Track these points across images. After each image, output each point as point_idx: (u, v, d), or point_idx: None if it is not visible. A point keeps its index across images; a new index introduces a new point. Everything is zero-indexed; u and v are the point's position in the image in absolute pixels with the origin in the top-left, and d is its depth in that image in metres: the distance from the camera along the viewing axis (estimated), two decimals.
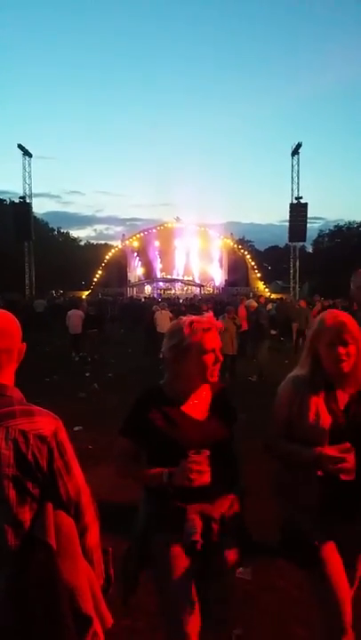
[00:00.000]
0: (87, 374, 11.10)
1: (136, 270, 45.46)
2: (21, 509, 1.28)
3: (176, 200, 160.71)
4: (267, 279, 46.57)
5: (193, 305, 19.80)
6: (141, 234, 44.21)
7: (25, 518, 1.28)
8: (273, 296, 32.94)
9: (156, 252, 43.55)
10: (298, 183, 31.53)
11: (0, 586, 1.24)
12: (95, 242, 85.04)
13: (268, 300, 24.32)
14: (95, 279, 43.27)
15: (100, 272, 43.39)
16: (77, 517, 1.39)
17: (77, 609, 1.30)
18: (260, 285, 41.19)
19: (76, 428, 6.25)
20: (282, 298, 27.97)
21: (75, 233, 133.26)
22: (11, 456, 1.26)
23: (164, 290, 41.33)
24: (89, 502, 1.43)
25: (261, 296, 21.25)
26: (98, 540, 1.48)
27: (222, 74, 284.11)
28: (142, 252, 44.21)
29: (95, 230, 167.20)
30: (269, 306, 18.48)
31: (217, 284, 43.42)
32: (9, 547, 1.26)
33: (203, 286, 42.01)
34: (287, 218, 31.85)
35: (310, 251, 62.53)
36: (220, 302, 21.00)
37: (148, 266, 44.41)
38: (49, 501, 1.33)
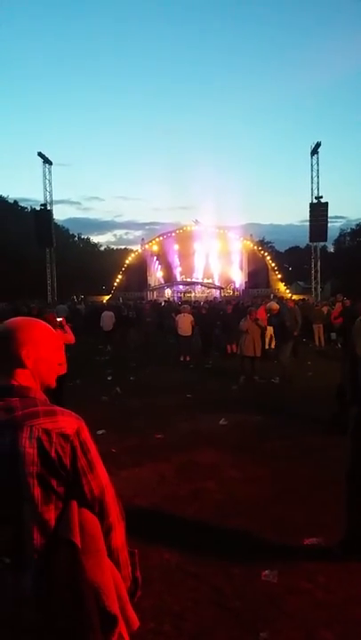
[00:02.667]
0: (109, 378, 11.17)
1: (156, 274, 45.59)
2: (46, 508, 1.30)
3: (194, 203, 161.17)
4: (288, 280, 46.22)
5: (214, 307, 19.70)
6: (161, 237, 44.32)
7: (50, 517, 1.30)
8: (294, 297, 32.67)
9: (176, 256, 43.58)
10: (318, 183, 31.24)
11: (26, 585, 1.26)
12: (115, 247, 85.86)
13: (290, 301, 24.13)
14: (115, 284, 43.53)
15: (120, 276, 43.63)
16: (102, 516, 1.40)
17: (103, 608, 1.30)
18: (281, 287, 40.90)
19: (100, 432, 6.29)
20: (304, 299, 27.71)
21: (95, 238, 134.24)
22: (35, 454, 1.29)
23: (185, 293, 41.31)
24: (114, 501, 1.45)
25: (289, 299, 21.11)
26: (124, 540, 1.48)
27: (237, 76, 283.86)
28: (162, 256, 44.32)
29: (115, 235, 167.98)
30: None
31: (237, 286, 43.25)
32: (34, 546, 1.28)
33: (223, 288, 41.88)
34: (307, 218, 31.50)
35: (332, 250, 61.94)
36: (242, 304, 20.92)
37: (168, 269, 44.50)
38: (73, 500, 1.35)
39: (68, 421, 1.37)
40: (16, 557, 1.27)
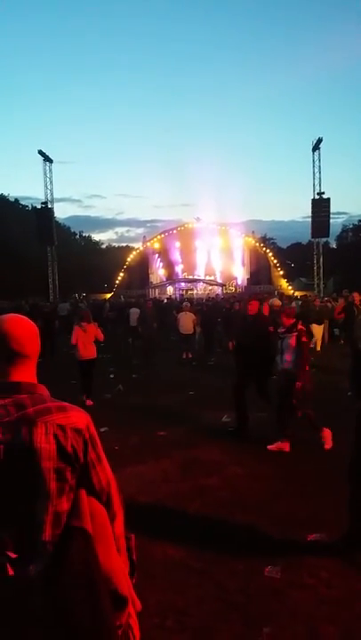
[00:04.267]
0: (112, 376, 11.18)
1: (158, 271, 45.53)
2: (60, 500, 1.34)
3: (196, 200, 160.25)
4: (290, 276, 46.12)
5: (216, 304, 19.61)
6: (162, 235, 44.22)
7: (63, 509, 1.35)
8: (297, 294, 32.61)
9: (178, 253, 43.51)
10: (320, 178, 31.13)
11: (39, 574, 1.29)
12: (117, 244, 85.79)
13: (293, 298, 24.10)
14: (117, 281, 43.49)
15: (122, 274, 43.59)
16: (108, 505, 1.47)
17: (114, 591, 1.38)
18: (284, 283, 40.80)
19: (103, 429, 6.31)
20: (306, 295, 27.68)
21: (96, 236, 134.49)
22: (53, 449, 1.34)
23: (187, 290, 41.26)
24: (117, 491, 1.52)
25: (284, 294, 21.08)
26: (123, 528, 1.56)
27: (238, 71, 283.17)
28: (163, 253, 44.25)
29: (116, 233, 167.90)
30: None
31: (239, 282, 43.20)
32: (48, 539, 1.32)
33: (225, 285, 41.82)
34: (309, 214, 31.45)
35: (334, 246, 61.79)
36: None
37: (170, 267, 44.42)
38: (82, 489, 1.40)
39: (79, 416, 1.42)
40: (25, 552, 1.29)
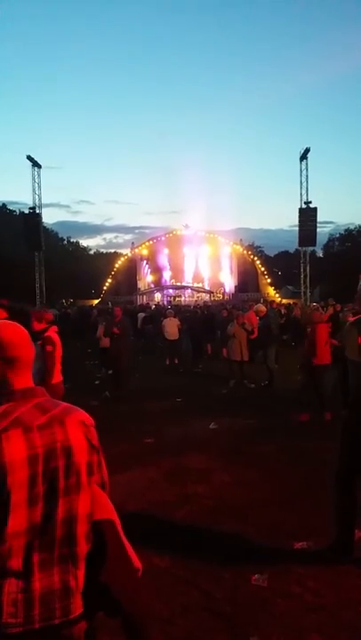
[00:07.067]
0: (97, 382, 11.11)
1: (146, 278, 45.53)
2: (89, 495, 1.44)
3: (185, 207, 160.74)
4: (277, 284, 46.41)
5: (210, 311, 18.95)
6: (150, 242, 44.30)
7: (90, 502, 1.45)
8: (284, 301, 32.80)
9: (166, 260, 43.61)
10: (307, 188, 31.41)
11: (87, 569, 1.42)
12: (105, 250, 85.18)
13: (280, 305, 24.19)
14: (105, 287, 43.40)
15: (109, 280, 43.52)
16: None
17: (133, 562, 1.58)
18: (271, 291, 41.06)
19: None
20: (290, 303, 27.82)
21: (84, 242, 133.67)
22: (84, 444, 1.44)
23: (174, 297, 41.30)
24: (108, 484, 1.62)
25: (273, 301, 21.14)
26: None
27: (227, 80, 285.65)
28: (152, 260, 44.29)
29: (105, 239, 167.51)
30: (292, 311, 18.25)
31: (227, 290, 43.35)
32: (85, 532, 1.42)
33: (212, 293, 41.95)
34: (297, 223, 31.68)
35: (321, 255, 62.29)
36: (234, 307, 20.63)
37: (158, 273, 44.45)
38: (94, 482, 1.51)
39: (87, 414, 1.53)
40: (69, 552, 1.39)
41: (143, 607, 1.57)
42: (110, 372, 10.42)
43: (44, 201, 34.93)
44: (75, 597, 1.37)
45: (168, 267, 43.73)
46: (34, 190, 33.45)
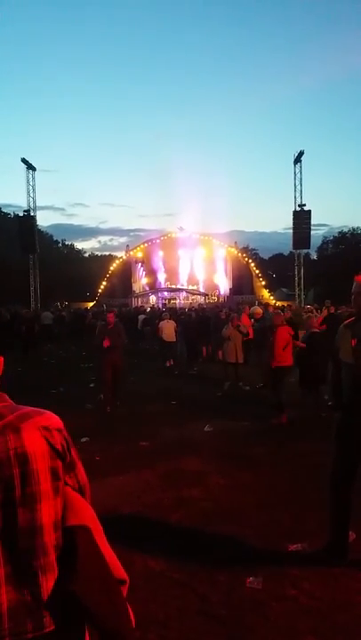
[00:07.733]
0: (92, 385, 11.09)
1: (140, 280, 45.50)
2: (56, 500, 1.36)
3: (179, 210, 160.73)
4: (272, 287, 46.52)
5: (205, 314, 18.90)
6: (145, 244, 44.28)
7: (59, 509, 1.37)
8: (278, 303, 32.90)
9: (161, 262, 43.60)
10: (301, 191, 31.58)
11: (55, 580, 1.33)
12: (99, 253, 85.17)
13: (276, 308, 24.20)
14: (100, 290, 43.34)
15: (104, 283, 43.44)
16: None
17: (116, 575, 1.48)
18: (265, 293, 41.14)
19: (84, 439, 6.24)
20: (284, 305, 27.86)
21: (79, 245, 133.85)
22: (45, 450, 1.35)
23: (169, 299, 41.30)
24: (88, 488, 1.57)
25: (268, 304, 21.17)
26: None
27: (221, 82, 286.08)
28: (146, 263, 44.26)
29: (99, 242, 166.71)
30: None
31: (222, 292, 43.40)
32: (53, 541, 1.34)
33: (207, 295, 41.98)
34: (291, 225, 31.84)
35: (315, 257, 62.52)
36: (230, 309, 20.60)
37: (153, 276, 44.44)
38: (68, 487, 1.44)
39: (54, 417, 1.44)
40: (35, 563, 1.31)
41: (120, 624, 1.40)
42: (102, 396, 9.06)
43: (38, 204, 35.10)
44: (48, 610, 1.31)
45: (163, 269, 43.72)
46: (28, 193, 33.46)
